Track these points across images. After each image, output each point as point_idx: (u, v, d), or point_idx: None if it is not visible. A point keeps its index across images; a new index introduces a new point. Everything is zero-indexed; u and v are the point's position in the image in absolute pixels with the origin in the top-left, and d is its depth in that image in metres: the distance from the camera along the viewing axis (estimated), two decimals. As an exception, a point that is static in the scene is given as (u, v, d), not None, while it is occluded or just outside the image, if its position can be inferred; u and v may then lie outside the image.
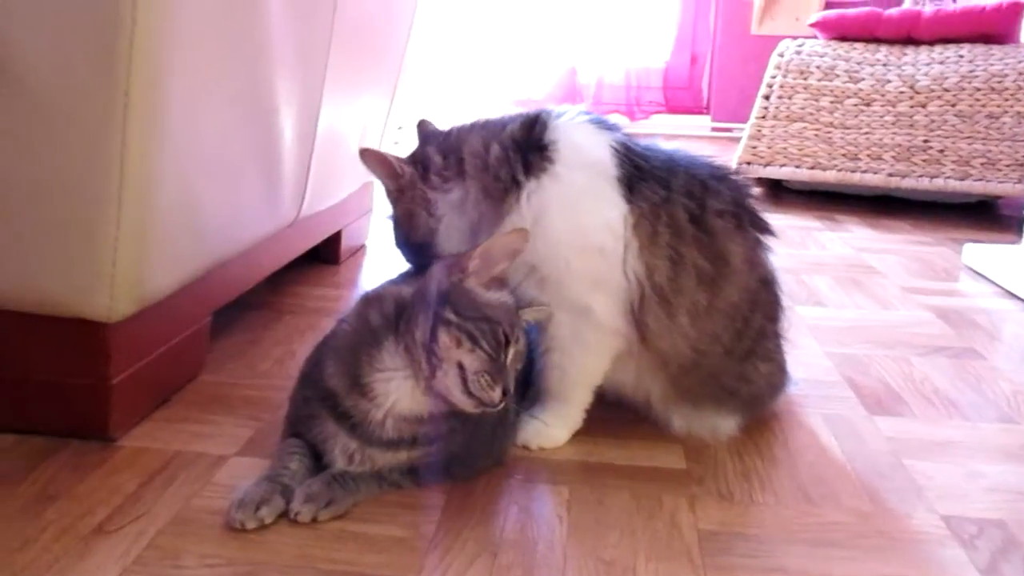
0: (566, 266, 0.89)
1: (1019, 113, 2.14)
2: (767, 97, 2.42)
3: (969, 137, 2.18)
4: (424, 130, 1.00)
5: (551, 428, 0.94)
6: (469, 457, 0.85)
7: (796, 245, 1.93)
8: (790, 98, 2.38)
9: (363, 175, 1.65)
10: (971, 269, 1.76)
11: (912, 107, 2.24)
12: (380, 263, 1.69)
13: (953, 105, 2.20)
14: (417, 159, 0.95)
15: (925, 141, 2.22)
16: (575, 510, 0.82)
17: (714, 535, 0.79)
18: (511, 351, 0.80)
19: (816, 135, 2.34)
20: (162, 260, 0.92)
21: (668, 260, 0.88)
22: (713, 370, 0.93)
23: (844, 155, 2.30)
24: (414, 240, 0.94)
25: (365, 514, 0.80)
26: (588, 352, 0.92)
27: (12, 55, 0.78)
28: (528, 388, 0.96)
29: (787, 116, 2.37)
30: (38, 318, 0.86)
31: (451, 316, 0.78)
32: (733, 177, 0.95)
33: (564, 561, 0.74)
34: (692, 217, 0.89)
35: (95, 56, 0.78)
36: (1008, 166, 2.14)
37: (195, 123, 0.92)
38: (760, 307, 0.94)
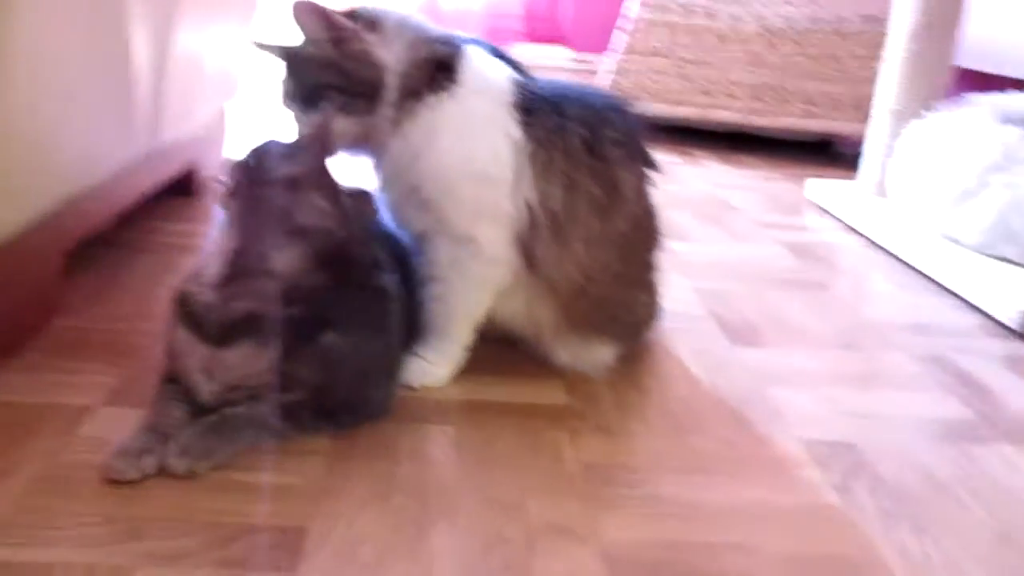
0: (450, 191, 0.88)
1: (860, 56, 2.27)
2: (629, 32, 2.45)
3: (816, 78, 2.30)
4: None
5: (433, 366, 0.94)
6: (354, 402, 0.84)
7: (657, 180, 1.99)
8: (651, 33, 2.42)
9: (219, 99, 1.56)
10: (814, 204, 1.87)
11: (765, 47, 2.33)
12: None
13: (802, 47, 2.31)
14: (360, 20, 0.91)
15: (777, 80, 2.32)
16: (463, 449, 0.83)
17: (595, 467, 0.82)
18: None
19: (676, 71, 2.40)
20: (7, 196, 0.84)
21: (562, 187, 0.89)
22: (601, 298, 0.95)
23: (701, 91, 2.38)
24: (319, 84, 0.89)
25: (248, 463, 0.77)
26: (470, 284, 0.92)
27: None
28: (414, 329, 0.96)
29: (649, 51, 2.41)
30: None
31: None
32: (627, 108, 0.96)
33: (456, 501, 0.75)
34: (587, 145, 0.90)
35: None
36: (849, 106, 2.28)
37: (39, 48, 0.83)
38: (644, 238, 0.98)
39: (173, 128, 1.29)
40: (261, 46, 0.93)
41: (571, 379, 0.98)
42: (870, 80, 2.26)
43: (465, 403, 0.92)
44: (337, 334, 0.79)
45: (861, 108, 2.27)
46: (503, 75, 0.92)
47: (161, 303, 1.06)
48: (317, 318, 0.79)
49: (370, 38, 0.88)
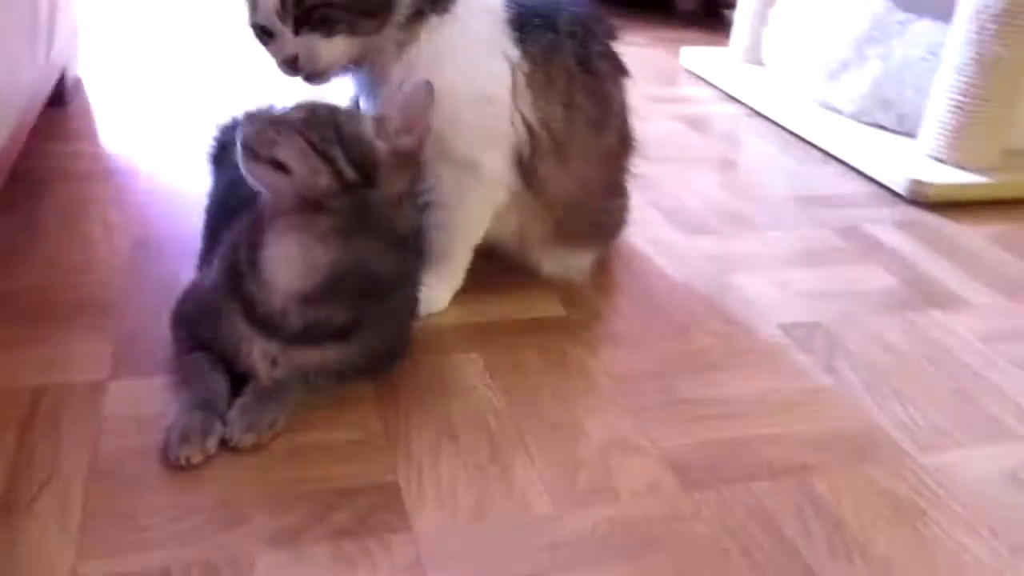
0: (455, 117, 0.86)
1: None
2: None
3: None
4: None
5: (434, 291, 0.94)
6: (387, 349, 0.83)
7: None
8: None
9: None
10: (691, 73, 1.95)
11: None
12: (108, 102, 1.44)
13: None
14: None
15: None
16: (497, 376, 0.86)
17: (623, 377, 0.88)
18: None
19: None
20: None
21: (562, 106, 0.89)
22: (590, 210, 0.98)
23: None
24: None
25: (303, 424, 0.76)
26: (472, 208, 0.92)
27: None
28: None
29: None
30: None
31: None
32: (604, 18, 0.96)
33: (518, 431, 0.78)
34: (580, 61, 0.90)
35: None
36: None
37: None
38: (625, 146, 1.00)
39: (61, 36, 1.13)
40: None
41: (560, 289, 1.02)
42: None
43: (475, 327, 0.94)
44: (398, 298, 0.78)
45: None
46: None
47: (99, 246, 0.98)
48: (387, 290, 0.77)
49: None
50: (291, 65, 0.82)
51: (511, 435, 0.78)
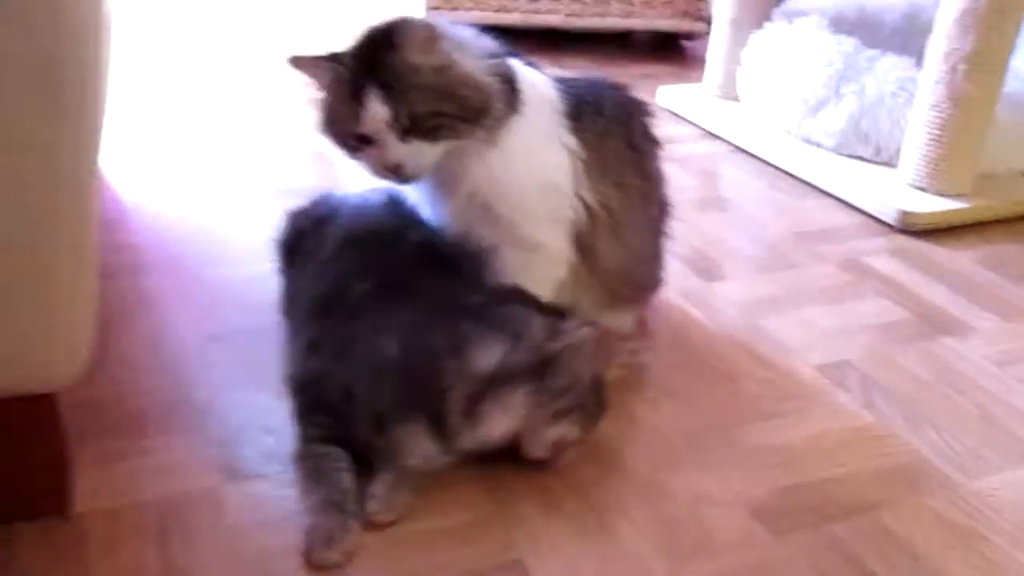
0: (523, 205, 0.93)
1: (667, -46, 2.42)
2: (446, -62, 2.40)
3: (630, -22, 2.43)
4: None
5: (506, 363, 1.00)
6: None
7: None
8: (469, -61, 2.39)
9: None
10: (667, 110, 2.05)
11: (581, -51, 2.41)
12: (141, 190, 1.47)
13: (615, -53, 2.42)
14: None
15: (594, -18, 2.42)
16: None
17: (691, 433, 0.95)
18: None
19: (497, -23, 2.41)
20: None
21: (616, 187, 0.96)
22: (637, 273, 1.06)
23: (525, -3, 2.42)
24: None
25: (419, 508, 0.81)
26: (538, 285, 0.98)
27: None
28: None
29: (468, -41, 2.39)
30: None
31: None
32: (633, 95, 1.03)
33: (611, 493, 0.85)
34: (627, 142, 0.98)
35: (36, 98, 0.59)
36: (661, 4, 2.44)
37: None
38: (663, 212, 1.07)
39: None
40: (319, 61, 0.87)
41: (611, 347, 1.09)
42: (679, -22, 2.44)
43: (545, 393, 1.00)
44: None
45: (673, 4, 2.46)
46: (547, 82, 0.95)
47: (168, 342, 1.01)
48: None
49: (464, 60, 0.86)
50: (393, 171, 0.87)
51: (608, 499, 0.85)
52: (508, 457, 0.88)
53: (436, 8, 2.42)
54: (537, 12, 2.43)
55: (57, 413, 0.73)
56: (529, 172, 0.92)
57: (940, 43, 1.44)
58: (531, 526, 0.81)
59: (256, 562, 0.74)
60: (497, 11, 2.43)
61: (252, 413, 0.92)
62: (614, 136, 0.97)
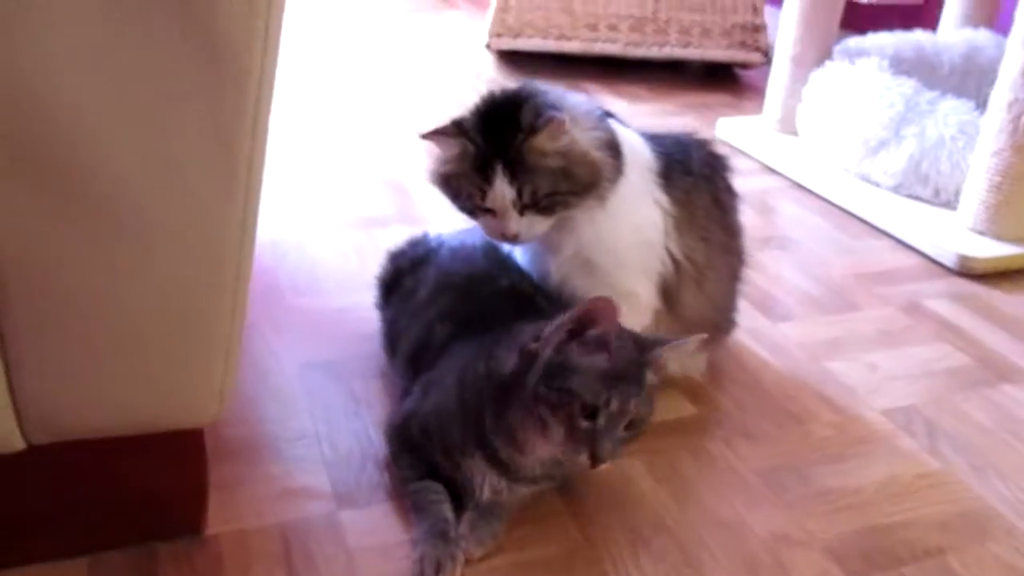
0: (619, 258, 1.00)
1: (726, -13, 2.48)
2: (511, -32, 2.47)
3: (689, 9, 2.48)
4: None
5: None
6: None
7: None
8: (533, -30, 2.46)
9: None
10: (727, 143, 2.10)
11: (642, -19, 2.47)
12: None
13: (675, -21, 2.48)
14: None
15: (653, 12, 2.48)
16: (660, 477, 0.99)
17: (766, 473, 1.01)
18: (601, 417, 0.81)
19: (559, 7, 2.48)
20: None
21: (702, 241, 1.03)
22: (715, 319, 1.12)
23: (585, 26, 2.49)
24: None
25: (514, 540, 0.88)
26: None
27: (124, 186, 0.64)
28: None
29: (532, -12, 2.47)
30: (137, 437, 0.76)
31: (539, 388, 0.82)
32: (715, 150, 1.09)
33: (694, 532, 0.91)
34: (713, 199, 1.04)
35: (216, 177, 0.67)
36: (719, 34, 2.50)
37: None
38: (742, 262, 1.13)
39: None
40: (448, 136, 0.95)
41: (685, 387, 1.15)
42: (736, 9, 2.49)
43: (626, 431, 1.06)
44: None
45: (731, 35, 2.51)
46: (642, 145, 1.01)
47: (270, 372, 1.08)
48: None
49: (581, 137, 0.93)
50: (511, 238, 0.95)
51: (690, 536, 0.91)
52: (595, 494, 0.95)
53: (499, 35, 2.50)
54: (597, 40, 2.50)
55: (202, 444, 0.81)
56: (629, 229, 0.98)
57: (1004, 93, 1.48)
58: (622, 562, 0.87)
59: (375, 585, 0.82)
60: (558, 39, 2.50)
61: (360, 443, 1.00)
62: (701, 192, 1.03)
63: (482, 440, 0.86)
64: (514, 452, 0.86)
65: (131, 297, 0.70)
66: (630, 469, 1.00)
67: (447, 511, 0.87)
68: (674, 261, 1.02)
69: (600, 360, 0.82)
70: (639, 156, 1.00)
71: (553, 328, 0.83)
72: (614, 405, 0.81)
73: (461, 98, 2.08)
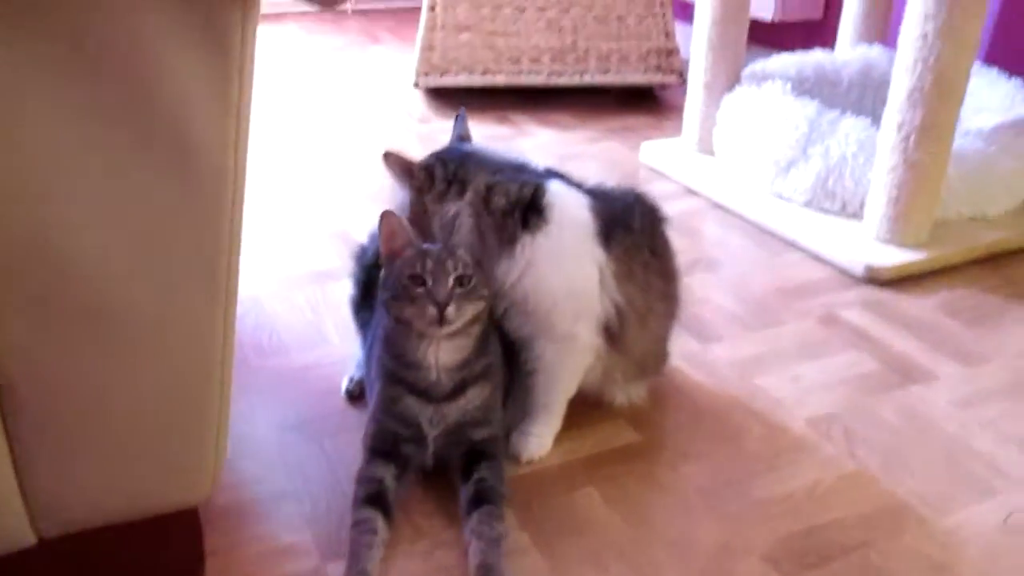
0: (554, 304, 1.10)
1: (639, 15, 2.61)
2: (432, 8, 2.56)
3: (605, 38, 2.61)
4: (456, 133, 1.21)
5: (543, 438, 1.17)
6: (495, 400, 1.10)
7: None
8: (455, 9, 2.56)
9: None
10: (648, 167, 2.23)
11: (559, 13, 2.59)
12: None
13: (590, 10, 2.60)
14: (427, 171, 1.12)
15: (573, 42, 2.60)
16: (614, 506, 1.09)
17: (706, 491, 1.12)
18: (428, 278, 1.00)
19: (482, 43, 2.58)
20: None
21: (640, 289, 1.13)
22: (656, 352, 1.23)
23: (509, 59, 2.60)
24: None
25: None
26: (570, 371, 1.15)
27: (120, 305, 0.72)
28: (508, 396, 1.17)
29: (454, 26, 2.56)
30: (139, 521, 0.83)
31: (384, 294, 1.04)
32: (654, 206, 1.20)
33: (647, 554, 1.02)
34: (652, 251, 1.15)
35: (199, 288, 0.75)
36: (636, 59, 2.63)
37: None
38: (679, 300, 1.25)
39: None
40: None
41: (627, 414, 1.26)
42: (649, 36, 2.63)
43: (578, 463, 1.16)
44: (492, 357, 1.09)
45: (647, 60, 2.64)
46: (582, 207, 1.12)
47: (245, 435, 1.15)
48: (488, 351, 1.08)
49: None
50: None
51: (643, 557, 1.01)
52: (557, 529, 1.05)
53: (427, 74, 2.59)
54: (520, 72, 2.61)
55: (197, 517, 0.89)
56: (557, 278, 1.09)
57: (894, 115, 1.63)
58: (585, 585, 0.97)
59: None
60: (483, 74, 2.60)
61: (336, 498, 1.08)
62: (640, 248, 1.14)
63: (398, 378, 1.04)
64: (412, 368, 1.03)
65: (131, 397, 0.77)
66: (586, 498, 1.10)
67: (372, 562, 0.96)
68: (616, 307, 1.12)
69: (410, 249, 1.04)
70: (574, 219, 1.10)
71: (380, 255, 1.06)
72: (430, 266, 1.00)
73: (397, 138, 2.17)
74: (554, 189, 1.11)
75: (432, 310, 0.98)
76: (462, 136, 1.22)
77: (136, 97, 0.68)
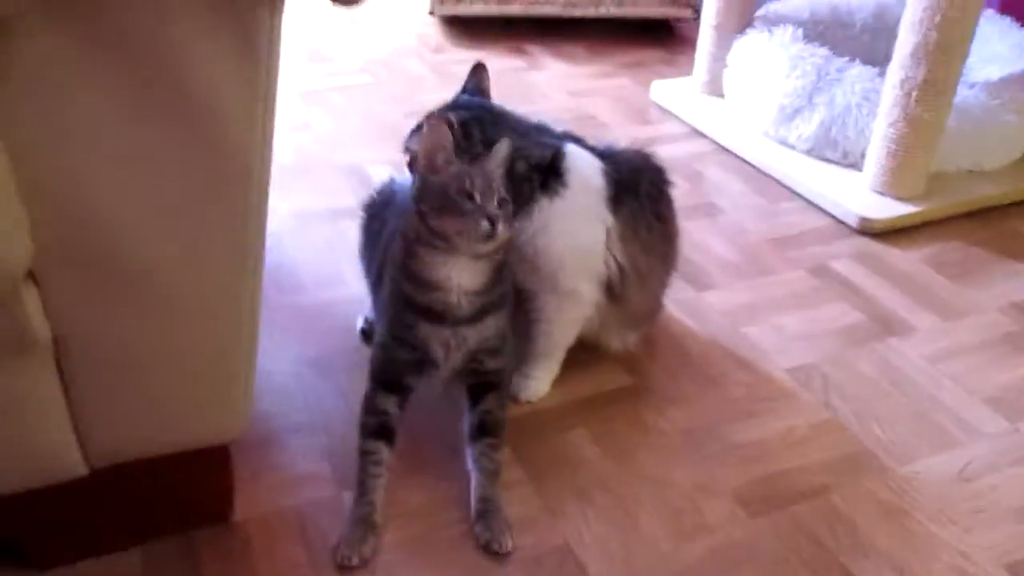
0: (561, 262, 1.18)
1: (657, -54, 2.60)
2: (449, -65, 2.55)
3: (622, -31, 2.61)
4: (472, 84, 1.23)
5: (541, 381, 1.27)
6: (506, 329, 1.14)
7: (524, 101, 2.26)
8: (472, -64, 2.55)
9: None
10: (659, 106, 2.26)
11: (576, -57, 2.58)
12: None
13: (608, -59, 2.58)
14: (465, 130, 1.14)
15: (589, -26, 2.60)
16: (602, 445, 1.20)
17: (688, 432, 1.22)
18: (477, 195, 1.02)
19: (498, -29, 2.58)
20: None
21: (643, 250, 1.21)
22: (653, 306, 1.32)
23: (524, -11, 2.60)
24: None
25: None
26: (571, 322, 1.24)
27: (157, 267, 0.81)
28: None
29: (471, -46, 2.56)
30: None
31: (424, 208, 1.04)
32: (663, 168, 1.26)
33: (630, 488, 1.13)
34: (656, 215, 1.22)
35: (228, 252, 0.84)
36: (652, -8, 2.63)
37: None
38: (677, 256, 1.32)
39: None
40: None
41: (622, 359, 1.35)
42: (667, -32, 2.62)
43: (574, 404, 1.27)
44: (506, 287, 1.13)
45: (662, -7, 2.64)
46: (597, 173, 1.18)
47: (273, 374, 1.25)
48: (506, 280, 1.12)
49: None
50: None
51: (627, 493, 1.12)
52: (550, 463, 1.16)
53: (443, 2, 2.60)
54: (536, 3, 2.61)
55: (228, 452, 1.00)
56: (568, 238, 1.16)
57: (896, 71, 1.66)
58: (572, 517, 1.08)
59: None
60: (500, 3, 2.61)
61: (351, 431, 1.17)
62: (645, 212, 1.21)
63: (413, 302, 1.06)
64: (431, 289, 1.05)
65: (168, 346, 0.87)
66: (577, 437, 1.21)
67: (377, 492, 1.05)
68: (619, 266, 1.20)
69: (455, 167, 1.05)
70: (588, 185, 1.17)
71: (416, 157, 1.07)
72: (480, 184, 1.03)
73: (412, 70, 2.17)
74: (572, 154, 1.18)
75: (485, 224, 1.01)
76: (479, 89, 1.24)
77: (171, 84, 0.75)
